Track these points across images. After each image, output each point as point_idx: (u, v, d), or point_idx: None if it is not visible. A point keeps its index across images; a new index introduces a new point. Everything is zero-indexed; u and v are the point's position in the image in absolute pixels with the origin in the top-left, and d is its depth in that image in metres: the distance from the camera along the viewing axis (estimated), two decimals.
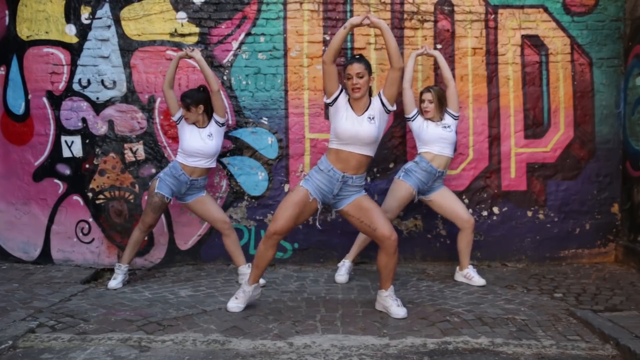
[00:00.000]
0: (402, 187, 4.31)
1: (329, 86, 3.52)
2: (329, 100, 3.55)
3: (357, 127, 3.47)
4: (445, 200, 4.38)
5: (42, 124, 4.91)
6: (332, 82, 3.51)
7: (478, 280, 4.31)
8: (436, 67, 4.96)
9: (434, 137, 4.35)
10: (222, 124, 4.37)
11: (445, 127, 4.37)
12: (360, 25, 3.53)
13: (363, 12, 4.94)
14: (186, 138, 4.29)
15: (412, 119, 4.43)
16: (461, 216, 4.35)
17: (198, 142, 4.27)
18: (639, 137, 4.77)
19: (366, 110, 3.54)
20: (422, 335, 3.21)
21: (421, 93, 4.47)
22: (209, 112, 4.36)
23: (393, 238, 3.51)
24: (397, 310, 3.55)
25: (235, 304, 3.68)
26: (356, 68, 3.49)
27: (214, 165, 4.41)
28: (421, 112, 4.44)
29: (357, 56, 3.65)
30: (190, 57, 4.43)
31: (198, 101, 4.28)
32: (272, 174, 4.95)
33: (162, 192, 4.27)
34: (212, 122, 4.35)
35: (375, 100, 3.58)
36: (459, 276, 4.45)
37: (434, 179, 4.33)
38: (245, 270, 4.31)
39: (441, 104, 4.40)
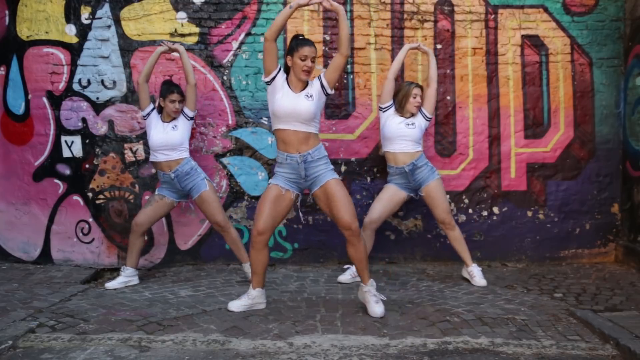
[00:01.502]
0: (385, 187, 4.47)
1: (269, 64, 3.55)
2: (267, 79, 3.58)
3: (294, 103, 3.50)
4: (430, 198, 4.37)
5: (42, 124, 4.91)
6: (273, 60, 3.54)
7: (479, 281, 4.31)
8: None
9: (393, 134, 4.35)
10: (191, 118, 4.39)
11: (408, 124, 4.35)
12: (307, 5, 3.55)
13: (363, 11, 4.94)
14: (151, 134, 4.31)
15: (385, 109, 4.44)
16: (437, 216, 4.37)
17: (160, 135, 4.27)
18: (639, 137, 4.77)
19: (304, 89, 3.58)
20: (422, 335, 3.21)
21: (410, 86, 4.43)
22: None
23: (353, 227, 3.50)
24: (374, 309, 3.54)
25: (238, 304, 3.67)
26: (313, 51, 3.52)
27: (186, 154, 4.35)
28: (400, 107, 4.41)
29: (302, 36, 3.66)
30: (173, 51, 4.42)
31: (182, 93, 4.36)
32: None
33: (161, 193, 4.33)
34: (180, 115, 4.36)
35: (315, 81, 3.61)
36: (464, 272, 4.47)
37: (411, 175, 4.34)
38: (247, 268, 4.31)
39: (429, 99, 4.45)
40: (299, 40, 3.57)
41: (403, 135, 4.33)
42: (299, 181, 3.60)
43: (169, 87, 4.34)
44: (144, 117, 4.39)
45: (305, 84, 3.60)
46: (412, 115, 4.41)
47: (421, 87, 4.45)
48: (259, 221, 3.56)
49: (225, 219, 4.38)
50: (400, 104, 4.42)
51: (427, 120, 4.43)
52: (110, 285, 4.28)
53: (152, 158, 4.37)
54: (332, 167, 3.64)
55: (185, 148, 4.37)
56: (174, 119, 4.34)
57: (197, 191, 4.30)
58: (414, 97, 4.39)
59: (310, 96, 3.54)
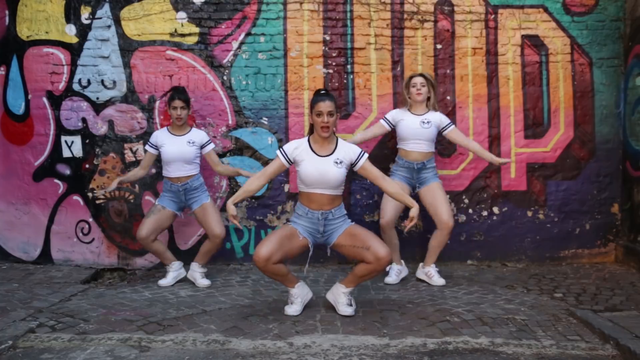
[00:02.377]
0: None
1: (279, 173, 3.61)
2: (287, 164, 3.53)
3: (322, 170, 3.42)
4: (431, 198, 4.34)
5: (42, 124, 4.91)
6: (278, 172, 3.60)
7: (437, 280, 4.30)
8: (436, 67, 4.97)
9: (408, 135, 4.31)
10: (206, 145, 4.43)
11: (424, 123, 4.31)
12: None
13: (363, 11, 4.94)
14: (164, 149, 4.29)
15: (390, 122, 4.41)
16: (440, 217, 4.29)
17: (176, 147, 4.28)
18: (639, 137, 4.77)
19: (332, 152, 3.48)
20: (422, 335, 3.21)
21: (409, 78, 4.37)
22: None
23: (388, 259, 3.41)
24: (344, 309, 3.56)
25: (293, 309, 3.61)
26: (328, 106, 3.40)
27: (197, 169, 4.39)
28: (406, 101, 4.38)
29: (324, 91, 3.55)
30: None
31: (189, 101, 4.37)
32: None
33: (162, 203, 4.33)
34: (195, 134, 4.37)
35: (350, 150, 3.50)
36: (420, 273, 4.44)
37: (418, 172, 4.33)
38: (195, 267, 4.39)
39: (434, 95, 4.38)
40: (314, 97, 3.49)
41: (419, 135, 4.30)
42: (316, 235, 3.55)
43: (173, 93, 4.34)
44: (151, 146, 4.36)
45: (335, 146, 3.50)
46: (427, 111, 4.35)
47: (423, 76, 4.36)
48: (262, 247, 3.38)
49: (223, 231, 4.32)
50: (404, 100, 4.42)
51: (447, 124, 4.37)
52: (164, 282, 4.32)
53: (164, 173, 4.36)
54: (349, 221, 3.61)
55: (198, 163, 4.39)
56: (186, 133, 4.34)
57: (199, 202, 4.34)
58: (413, 87, 4.32)
59: (340, 162, 3.46)
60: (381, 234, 4.31)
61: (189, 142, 4.31)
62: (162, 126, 4.89)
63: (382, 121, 4.44)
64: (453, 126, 4.39)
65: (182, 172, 4.30)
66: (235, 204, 3.50)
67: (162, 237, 4.89)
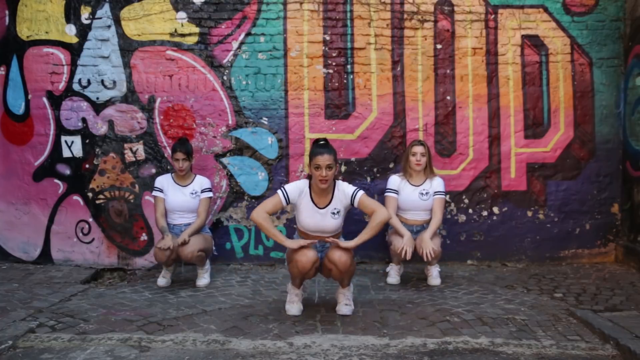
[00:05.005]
0: (392, 238, 4.30)
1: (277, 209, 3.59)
2: (285, 205, 3.55)
3: (319, 221, 3.52)
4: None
5: (42, 124, 4.91)
6: (278, 209, 3.60)
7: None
8: (436, 67, 4.97)
9: (407, 205, 4.32)
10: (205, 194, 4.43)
11: (422, 194, 4.30)
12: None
13: (363, 11, 4.94)
14: (169, 199, 4.34)
15: (392, 191, 4.37)
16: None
17: (180, 197, 4.33)
18: (639, 137, 4.77)
19: (329, 203, 3.52)
20: (422, 335, 3.21)
21: (411, 145, 4.36)
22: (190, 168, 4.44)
23: (343, 266, 3.44)
24: (341, 308, 3.60)
25: (295, 308, 3.62)
26: (327, 159, 3.38)
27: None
28: (406, 169, 4.35)
29: (323, 142, 3.53)
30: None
31: (191, 152, 4.39)
32: (272, 174, 4.95)
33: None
34: (198, 184, 4.38)
35: (344, 196, 3.52)
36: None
37: (417, 232, 4.29)
38: (197, 270, 4.39)
39: (429, 163, 4.35)
40: (313, 148, 3.48)
41: (417, 207, 4.32)
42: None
43: (175, 145, 4.37)
44: (157, 189, 4.38)
45: (332, 195, 3.52)
46: (424, 180, 4.33)
47: (423, 144, 4.34)
48: (304, 255, 3.42)
49: (193, 254, 4.18)
50: (404, 167, 4.38)
51: (439, 192, 4.33)
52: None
53: (169, 220, 4.36)
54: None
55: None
56: (190, 182, 4.37)
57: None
58: (413, 155, 4.30)
59: (337, 213, 3.53)
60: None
61: (192, 194, 4.36)
62: (162, 126, 4.89)
63: (392, 195, 4.33)
64: (441, 197, 4.31)
65: (184, 220, 4.37)
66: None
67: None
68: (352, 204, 3.54)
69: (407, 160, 4.35)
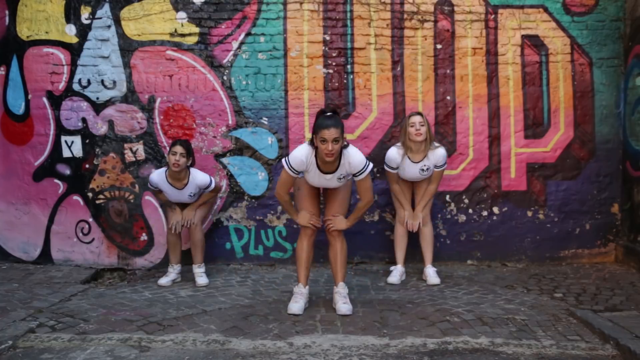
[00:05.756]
0: (388, 175, 4.47)
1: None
2: (293, 175, 3.58)
3: (325, 183, 3.64)
4: (420, 190, 4.47)
5: (42, 124, 4.91)
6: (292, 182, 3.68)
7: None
8: (436, 67, 4.97)
9: (408, 178, 4.43)
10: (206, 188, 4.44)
11: (422, 169, 4.33)
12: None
13: (363, 11, 4.94)
14: (167, 193, 4.37)
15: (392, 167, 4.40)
16: (416, 209, 4.46)
17: (177, 196, 4.37)
18: (639, 137, 4.77)
19: (335, 170, 3.54)
20: (422, 335, 3.21)
21: (408, 117, 4.33)
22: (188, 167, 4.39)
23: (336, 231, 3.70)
24: (339, 307, 3.61)
25: (297, 306, 3.62)
26: (333, 133, 3.30)
27: (196, 197, 4.46)
28: (405, 142, 4.29)
29: (330, 114, 3.44)
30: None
31: (191, 153, 4.38)
32: (272, 174, 4.95)
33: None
34: (194, 185, 4.32)
35: (351, 168, 3.51)
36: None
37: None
38: (194, 268, 4.42)
39: (429, 134, 4.30)
40: (318, 120, 3.40)
41: (418, 179, 4.43)
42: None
43: (176, 140, 4.39)
44: (153, 186, 4.42)
45: (339, 163, 3.50)
46: (424, 156, 4.30)
47: (420, 114, 4.31)
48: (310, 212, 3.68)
49: (200, 235, 4.44)
50: (403, 141, 4.31)
51: (440, 165, 4.36)
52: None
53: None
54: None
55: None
56: (185, 185, 4.30)
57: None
58: (412, 126, 4.24)
59: (343, 177, 3.62)
60: (396, 230, 4.51)
61: (190, 196, 4.37)
62: (162, 126, 4.89)
63: (392, 171, 4.37)
64: (442, 168, 4.37)
65: (184, 204, 4.46)
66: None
67: (163, 237, 4.91)
68: (357, 175, 3.54)
69: (406, 133, 4.27)
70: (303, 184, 3.66)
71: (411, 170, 4.34)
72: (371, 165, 3.55)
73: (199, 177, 4.33)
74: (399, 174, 4.41)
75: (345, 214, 3.73)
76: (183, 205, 4.44)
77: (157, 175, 4.35)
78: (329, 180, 3.59)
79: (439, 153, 4.31)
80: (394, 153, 4.33)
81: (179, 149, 4.23)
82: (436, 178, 4.40)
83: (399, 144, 4.38)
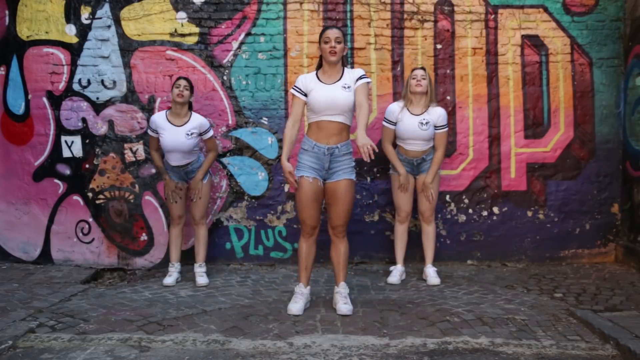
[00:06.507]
0: (392, 178, 4.51)
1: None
2: (305, 98, 3.61)
3: (331, 95, 3.51)
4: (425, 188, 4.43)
5: (42, 124, 4.91)
6: (303, 109, 3.68)
7: (434, 280, 4.37)
8: (436, 67, 4.97)
9: (406, 135, 4.33)
10: (206, 131, 4.39)
11: (422, 123, 4.29)
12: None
13: (363, 11, 4.94)
14: (163, 137, 4.28)
15: (391, 121, 4.40)
16: (419, 206, 4.47)
17: (173, 138, 4.25)
18: (639, 137, 4.77)
19: (339, 79, 3.58)
20: (422, 335, 3.21)
21: (412, 70, 4.38)
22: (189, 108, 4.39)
23: (340, 229, 3.66)
24: (339, 307, 3.60)
25: (297, 307, 3.61)
26: (335, 33, 3.54)
27: (196, 156, 4.41)
28: (406, 95, 4.35)
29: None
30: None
31: (192, 87, 4.38)
32: (272, 174, 4.95)
33: (171, 178, 4.37)
34: (195, 123, 4.29)
35: (353, 75, 3.59)
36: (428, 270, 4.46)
37: (418, 167, 4.42)
38: (195, 267, 4.43)
39: (431, 89, 4.34)
40: (323, 29, 3.67)
41: (417, 137, 4.32)
42: (321, 172, 3.61)
43: (179, 77, 4.37)
44: (152, 133, 4.36)
45: (340, 74, 3.59)
46: (425, 109, 4.32)
47: (423, 68, 4.37)
48: (309, 219, 3.60)
49: (203, 217, 4.44)
50: (405, 94, 4.38)
51: (441, 126, 4.35)
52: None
53: (167, 160, 4.39)
54: (353, 163, 3.68)
55: (198, 149, 4.42)
56: (185, 123, 4.27)
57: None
58: (413, 78, 4.31)
59: (348, 87, 3.55)
60: (396, 230, 4.50)
61: (188, 134, 4.25)
62: None
63: (389, 126, 4.40)
64: (445, 130, 4.37)
65: (181, 162, 4.35)
66: (288, 159, 3.58)
67: (162, 237, 4.91)
68: (356, 81, 3.57)
69: (408, 85, 4.35)
70: (304, 184, 3.64)
71: (410, 123, 4.29)
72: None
73: (199, 117, 4.36)
74: (397, 135, 4.38)
75: (349, 218, 3.68)
76: (178, 172, 4.36)
77: (158, 115, 4.35)
78: (334, 92, 3.51)
79: (439, 110, 4.35)
80: (393, 105, 4.42)
81: (182, 82, 4.27)
82: (441, 143, 4.35)
83: (401, 100, 4.45)
